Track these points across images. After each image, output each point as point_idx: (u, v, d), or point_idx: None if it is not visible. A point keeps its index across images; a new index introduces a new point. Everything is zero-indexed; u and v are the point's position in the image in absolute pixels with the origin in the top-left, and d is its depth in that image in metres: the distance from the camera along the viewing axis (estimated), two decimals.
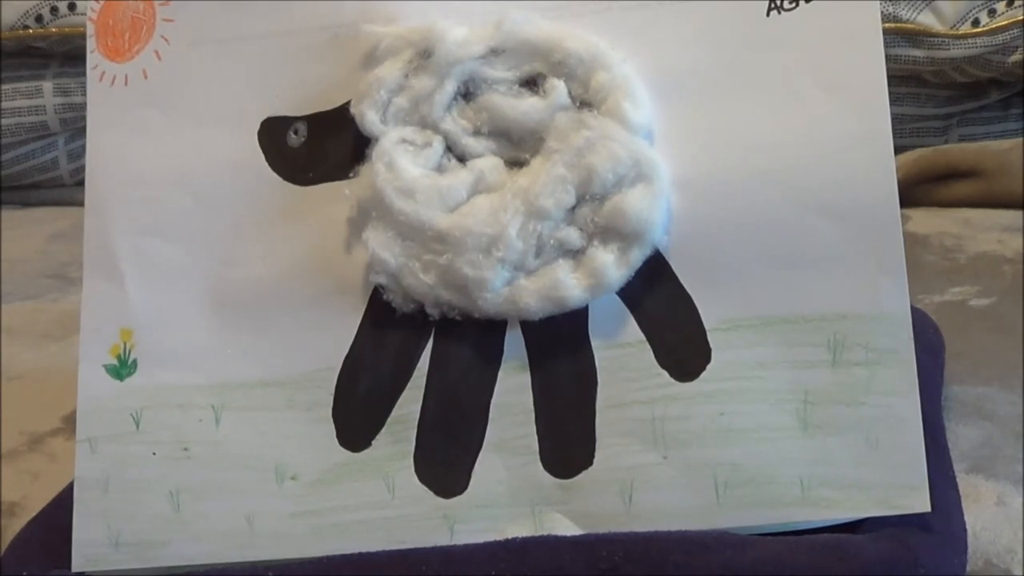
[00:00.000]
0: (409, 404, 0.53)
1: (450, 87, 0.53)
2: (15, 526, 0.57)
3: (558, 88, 0.52)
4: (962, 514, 0.51)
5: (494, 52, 0.53)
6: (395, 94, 0.53)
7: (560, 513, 0.51)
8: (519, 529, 0.50)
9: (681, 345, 0.51)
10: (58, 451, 0.66)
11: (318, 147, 0.55)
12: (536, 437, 0.51)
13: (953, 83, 1.05)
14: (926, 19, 1.01)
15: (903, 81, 1.04)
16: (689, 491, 0.50)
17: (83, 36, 0.59)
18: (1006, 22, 0.99)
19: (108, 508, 0.53)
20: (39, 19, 1.12)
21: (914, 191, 0.98)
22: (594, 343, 0.52)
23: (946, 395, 0.63)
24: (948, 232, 0.91)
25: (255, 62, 0.56)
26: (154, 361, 0.55)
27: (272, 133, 0.56)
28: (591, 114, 0.51)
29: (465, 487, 0.51)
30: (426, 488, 0.52)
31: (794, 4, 0.51)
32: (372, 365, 0.53)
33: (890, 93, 0.50)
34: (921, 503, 0.48)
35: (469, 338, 0.52)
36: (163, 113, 0.56)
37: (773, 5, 0.52)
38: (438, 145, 0.53)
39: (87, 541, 0.53)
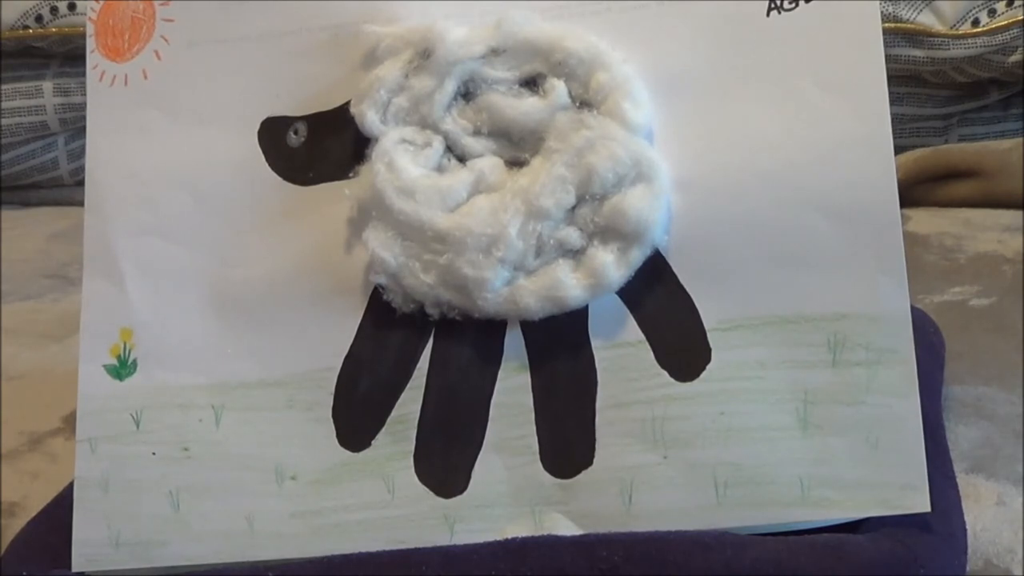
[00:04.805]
0: (409, 404, 0.53)
1: (450, 87, 0.53)
2: (15, 526, 0.57)
3: (558, 88, 0.52)
4: (962, 514, 0.51)
5: (494, 52, 0.53)
6: (395, 94, 0.53)
7: (560, 513, 0.51)
8: (519, 529, 0.50)
9: (681, 345, 0.51)
10: (58, 451, 0.66)
11: (318, 147, 0.55)
12: (536, 437, 0.51)
13: (953, 83, 1.05)
14: (926, 19, 1.01)
15: (903, 81, 1.04)
16: (689, 491, 0.50)
17: (83, 36, 0.59)
18: (1006, 22, 0.99)
19: (108, 508, 0.53)
20: (39, 19, 1.12)
21: (914, 191, 0.98)
22: (594, 343, 0.52)
23: (946, 395, 0.63)
24: (948, 232, 0.91)
25: (255, 62, 0.56)
26: (154, 361, 0.55)
27: (272, 133, 0.56)
28: (591, 114, 0.51)
29: (465, 487, 0.51)
30: (426, 488, 0.52)
31: (794, 4, 0.51)
32: (372, 365, 0.53)
33: (890, 93, 0.50)
34: (921, 503, 0.48)
35: (469, 338, 0.52)
36: (163, 113, 0.56)
37: (773, 5, 0.52)
38: (438, 145, 0.53)
39: (87, 541, 0.53)
